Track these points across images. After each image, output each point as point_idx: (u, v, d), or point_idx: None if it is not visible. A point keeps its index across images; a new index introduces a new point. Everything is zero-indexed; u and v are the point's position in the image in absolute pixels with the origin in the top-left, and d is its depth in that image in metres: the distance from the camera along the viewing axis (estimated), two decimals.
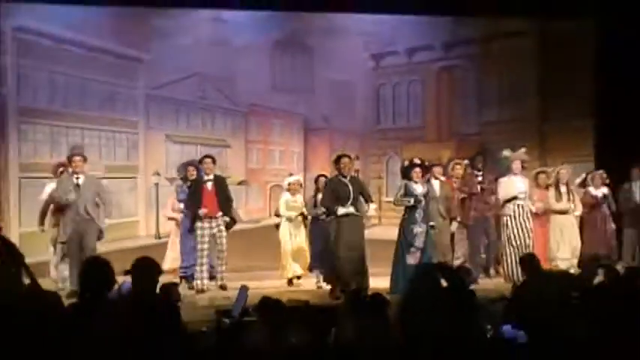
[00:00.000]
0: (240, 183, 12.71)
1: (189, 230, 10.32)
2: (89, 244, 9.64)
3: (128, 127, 12.80)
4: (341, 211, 9.66)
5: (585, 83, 13.48)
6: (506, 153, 11.08)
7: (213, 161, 10.45)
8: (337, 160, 9.96)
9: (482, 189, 10.92)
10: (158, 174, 12.61)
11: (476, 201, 10.95)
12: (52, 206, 10.06)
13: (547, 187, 11.17)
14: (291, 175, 11.17)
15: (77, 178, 9.72)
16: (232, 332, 6.63)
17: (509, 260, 10.56)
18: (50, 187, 10.18)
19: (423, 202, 9.99)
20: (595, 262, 6.60)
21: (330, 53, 13.38)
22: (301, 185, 10.95)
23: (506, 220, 10.62)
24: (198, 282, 10.21)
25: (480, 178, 11.02)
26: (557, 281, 6.55)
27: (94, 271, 4.71)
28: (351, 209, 9.75)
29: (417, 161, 10.20)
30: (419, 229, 9.91)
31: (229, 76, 13.18)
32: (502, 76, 14.11)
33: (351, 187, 9.77)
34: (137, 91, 12.76)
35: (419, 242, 9.86)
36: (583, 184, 11.52)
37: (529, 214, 10.72)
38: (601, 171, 11.63)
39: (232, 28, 13.11)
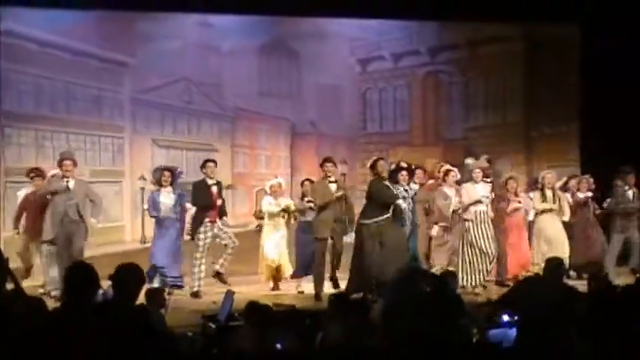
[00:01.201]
0: (226, 187, 12.66)
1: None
2: (77, 245, 9.76)
3: (114, 132, 12.76)
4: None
5: (571, 88, 13.53)
6: (468, 161, 11.10)
7: (216, 165, 10.54)
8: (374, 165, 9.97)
9: (495, 195, 10.92)
10: (144, 178, 12.55)
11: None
12: (25, 211, 10.16)
13: (516, 193, 11.13)
14: (274, 177, 11.20)
15: (67, 181, 9.84)
16: (218, 337, 6.62)
17: (467, 263, 10.48)
18: (24, 191, 10.35)
19: (411, 204, 10.03)
20: (560, 267, 6.58)
21: (317, 58, 13.40)
22: (281, 186, 10.94)
23: (468, 225, 10.56)
24: (195, 285, 10.23)
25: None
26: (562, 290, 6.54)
27: (78, 276, 4.68)
28: None
29: (404, 165, 10.22)
30: (406, 231, 9.95)
31: (216, 81, 13.17)
32: (488, 82, 14.15)
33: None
34: (123, 96, 12.72)
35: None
36: (564, 188, 11.51)
37: (490, 221, 10.67)
38: (587, 176, 11.65)
39: (219, 33, 13.12)
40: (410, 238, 10.02)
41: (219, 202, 10.37)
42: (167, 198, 10.29)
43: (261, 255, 10.71)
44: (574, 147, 13.57)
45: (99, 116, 12.63)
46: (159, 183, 10.35)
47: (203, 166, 10.50)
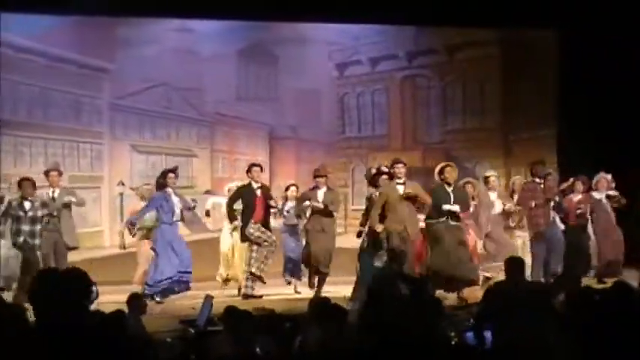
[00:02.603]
0: (206, 192, 12.67)
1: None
2: (62, 251, 10.08)
3: (92, 138, 12.73)
4: None
5: (548, 93, 13.62)
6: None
7: (262, 169, 10.68)
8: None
9: (547, 198, 10.95)
10: (123, 184, 12.54)
11: (541, 209, 10.94)
12: None
13: (473, 198, 11.16)
14: (232, 181, 11.25)
15: (53, 191, 10.17)
16: (197, 342, 6.61)
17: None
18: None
19: None
20: (519, 266, 6.59)
21: (295, 63, 13.42)
22: None
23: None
24: (249, 287, 10.31)
25: (541, 186, 11.03)
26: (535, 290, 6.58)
27: (71, 283, 4.68)
28: None
29: (384, 169, 10.22)
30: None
31: (195, 86, 13.18)
32: (466, 86, 14.22)
33: None
34: (101, 101, 12.69)
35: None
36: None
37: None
38: (603, 174, 11.51)
39: (198, 38, 13.12)
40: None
41: (261, 205, 10.40)
42: (177, 200, 10.22)
43: (222, 255, 10.78)
44: (552, 151, 13.64)
45: (77, 122, 12.59)
46: (163, 185, 10.22)
47: (249, 170, 10.56)
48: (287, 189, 11.12)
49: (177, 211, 10.16)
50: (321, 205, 10.25)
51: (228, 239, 10.85)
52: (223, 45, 13.13)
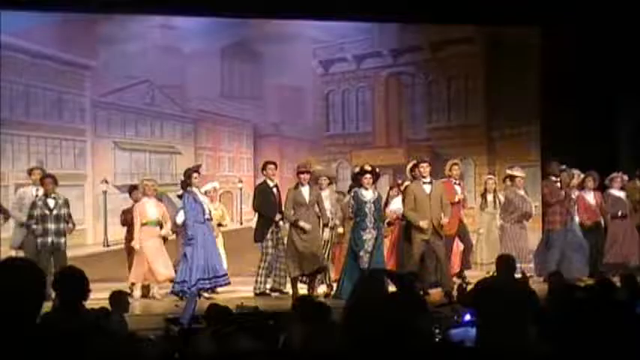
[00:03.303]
0: None
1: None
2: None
3: (75, 135, 12.66)
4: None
5: (531, 89, 13.66)
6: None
7: (276, 167, 10.59)
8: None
9: (565, 194, 10.94)
10: (106, 182, 12.48)
11: (560, 206, 11.00)
12: None
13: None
14: (209, 182, 11.18)
15: (37, 189, 10.11)
16: (181, 340, 6.58)
17: None
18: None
19: (373, 209, 9.97)
20: (511, 263, 6.59)
21: (279, 60, 13.39)
22: (216, 190, 10.96)
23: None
24: (261, 284, 10.28)
25: (558, 185, 11.02)
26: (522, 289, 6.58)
27: (69, 281, 4.66)
28: None
29: (368, 168, 10.20)
30: (368, 235, 9.90)
31: (178, 83, 13.12)
32: (450, 83, 14.24)
33: None
34: (84, 98, 12.62)
35: (368, 247, 9.85)
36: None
37: None
38: (620, 173, 11.56)
39: (181, 35, 13.08)
40: (375, 243, 9.94)
41: (278, 203, 10.38)
42: (205, 200, 10.16)
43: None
44: (535, 147, 13.69)
45: (60, 119, 12.53)
46: (188, 185, 10.14)
47: (264, 168, 10.51)
48: None
49: (207, 209, 10.09)
50: (308, 227, 10.06)
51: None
52: (207, 42, 13.09)
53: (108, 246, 10.89)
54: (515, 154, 13.65)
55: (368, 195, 10.00)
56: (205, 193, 10.66)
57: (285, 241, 10.18)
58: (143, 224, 10.31)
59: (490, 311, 5.92)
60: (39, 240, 9.81)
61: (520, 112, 13.81)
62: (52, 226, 9.85)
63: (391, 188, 11.39)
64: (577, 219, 11.18)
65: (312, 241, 9.98)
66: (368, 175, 10.00)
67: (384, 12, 12.53)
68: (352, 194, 10.21)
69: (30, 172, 10.35)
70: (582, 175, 11.40)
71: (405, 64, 14.12)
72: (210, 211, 10.19)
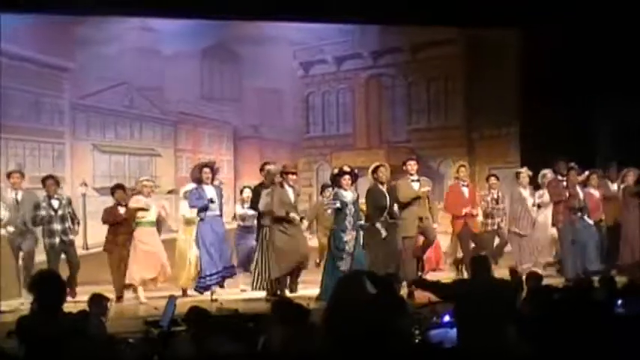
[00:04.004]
0: (169, 192, 12.58)
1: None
2: (30, 253, 10.16)
3: (54, 137, 12.59)
4: None
5: (510, 91, 13.71)
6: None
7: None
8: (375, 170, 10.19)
9: (569, 194, 10.98)
10: (85, 184, 12.42)
11: (563, 206, 11.04)
12: None
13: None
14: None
15: (16, 194, 10.13)
16: (160, 342, 6.56)
17: None
18: None
19: (353, 210, 9.98)
20: (484, 265, 6.61)
21: (259, 62, 13.38)
22: None
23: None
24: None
25: (564, 184, 11.07)
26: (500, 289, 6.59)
27: (47, 285, 4.63)
28: None
29: (347, 169, 10.21)
30: (348, 236, 9.89)
31: (157, 85, 13.09)
32: (430, 85, 14.29)
33: None
34: (62, 101, 12.56)
35: (349, 248, 9.85)
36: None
37: None
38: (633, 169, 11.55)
39: (160, 37, 13.04)
40: (356, 244, 9.92)
41: None
42: (212, 194, 10.08)
43: (184, 259, 10.69)
44: (515, 148, 13.75)
45: (38, 122, 12.45)
46: (199, 180, 10.11)
47: (262, 169, 10.53)
48: (242, 192, 11.08)
49: (212, 206, 10.05)
50: (297, 218, 10.06)
51: (188, 244, 10.72)
52: (186, 44, 13.06)
53: (87, 249, 10.82)
54: (495, 155, 13.72)
55: (348, 196, 10.01)
56: (184, 194, 10.65)
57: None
58: (138, 224, 10.30)
59: (467, 312, 5.93)
60: (46, 241, 10.01)
61: (500, 114, 13.87)
62: (58, 226, 10.00)
63: None
64: (587, 217, 11.19)
65: (294, 240, 9.99)
66: (347, 177, 10.01)
67: (364, 14, 12.53)
68: (332, 194, 10.22)
69: (9, 175, 10.29)
70: (587, 173, 11.47)
71: (386, 66, 14.15)
72: (215, 207, 10.13)
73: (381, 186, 10.13)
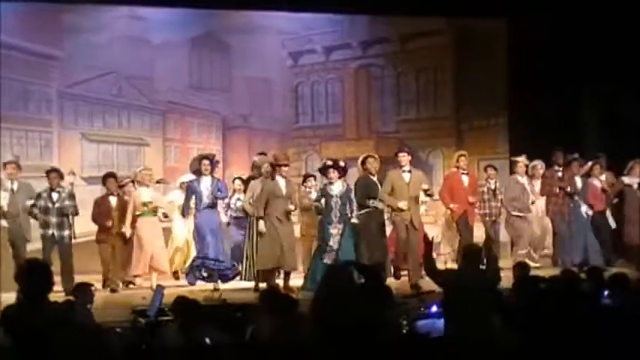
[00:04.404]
0: (158, 182, 12.51)
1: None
2: (21, 244, 10.15)
3: (41, 126, 12.53)
4: None
5: (500, 82, 13.72)
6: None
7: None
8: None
9: (567, 185, 10.99)
10: (73, 173, 12.34)
11: (555, 196, 11.06)
12: None
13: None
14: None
15: (12, 183, 10.21)
16: (147, 332, 6.56)
17: None
18: None
19: (340, 202, 9.91)
20: (475, 255, 6.60)
21: (248, 51, 13.34)
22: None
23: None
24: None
25: (559, 174, 11.06)
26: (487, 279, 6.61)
27: (33, 275, 4.62)
28: None
29: (329, 162, 10.16)
30: (334, 229, 9.84)
31: (146, 74, 13.04)
32: (419, 75, 14.28)
33: None
34: (50, 89, 12.49)
35: (334, 242, 9.78)
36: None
37: None
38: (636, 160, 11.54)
39: (149, 26, 12.98)
40: (342, 237, 9.84)
41: None
42: (208, 187, 10.03)
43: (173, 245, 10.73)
44: (503, 139, 13.77)
45: (26, 110, 12.38)
46: (198, 172, 10.09)
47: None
48: (233, 182, 11.04)
49: (206, 198, 10.00)
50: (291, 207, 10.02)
51: (183, 231, 10.74)
52: (175, 33, 13.01)
53: (75, 238, 10.75)
54: (484, 146, 13.74)
55: (335, 189, 9.94)
56: (181, 185, 10.64)
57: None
58: (139, 215, 10.27)
59: (455, 302, 5.95)
60: (40, 231, 10.10)
61: (489, 104, 13.88)
62: (53, 219, 10.04)
63: None
64: (584, 207, 11.17)
65: (284, 235, 9.87)
66: (331, 170, 9.96)
67: (353, 4, 12.53)
68: (322, 186, 10.21)
69: (4, 165, 10.33)
70: (590, 163, 11.48)
71: (375, 56, 14.14)
72: (211, 200, 10.12)
73: (372, 176, 10.12)
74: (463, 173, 11.00)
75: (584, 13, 12.25)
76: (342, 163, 10.16)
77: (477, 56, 13.87)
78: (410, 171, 10.13)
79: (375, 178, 10.14)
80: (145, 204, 10.26)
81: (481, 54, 13.83)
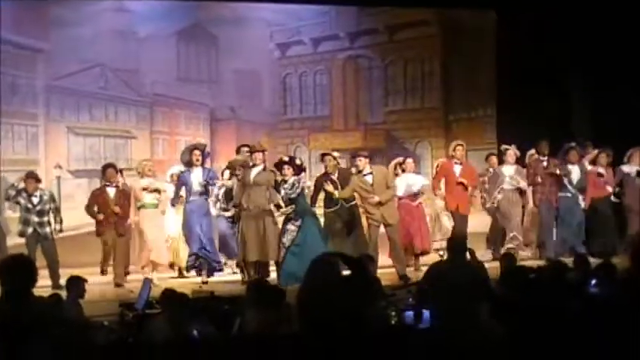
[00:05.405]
0: None
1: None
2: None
3: (27, 120, 12.47)
4: None
5: (487, 73, 13.73)
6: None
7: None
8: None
9: (550, 173, 10.97)
10: (60, 167, 12.32)
11: (541, 185, 11.02)
12: None
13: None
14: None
15: None
16: (135, 325, 6.55)
17: None
18: None
19: (298, 200, 9.76)
20: (460, 247, 6.58)
21: (236, 43, 13.31)
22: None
23: None
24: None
25: (545, 164, 11.07)
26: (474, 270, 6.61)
27: (16, 269, 4.58)
28: None
29: (285, 158, 10.07)
30: (292, 226, 9.74)
31: (133, 67, 12.99)
32: (407, 66, 14.27)
33: None
34: (36, 82, 12.42)
35: (286, 239, 9.70)
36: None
37: None
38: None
39: (136, 18, 12.94)
40: (301, 234, 9.68)
41: None
42: (199, 178, 9.97)
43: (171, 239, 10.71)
44: (491, 130, 13.78)
45: (11, 103, 12.30)
46: (189, 163, 10.03)
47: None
48: (222, 173, 10.98)
49: (195, 188, 9.95)
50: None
51: (175, 224, 10.70)
52: (161, 25, 12.97)
53: (62, 231, 10.71)
54: (472, 137, 13.72)
55: (287, 186, 9.78)
56: (171, 177, 10.60)
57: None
58: (140, 206, 10.20)
59: (441, 294, 5.95)
60: (20, 227, 9.99)
61: (476, 95, 13.91)
62: (35, 218, 9.94)
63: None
64: (580, 196, 11.15)
65: (267, 225, 9.74)
66: (286, 166, 9.86)
67: None
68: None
69: None
70: (596, 151, 11.46)
71: (363, 47, 14.11)
72: (202, 191, 10.09)
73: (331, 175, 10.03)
74: (456, 163, 10.95)
75: (571, 5, 12.27)
76: (298, 161, 10.03)
77: (465, 47, 13.87)
78: (371, 172, 9.96)
79: (333, 176, 10.03)
80: (144, 188, 10.18)
81: (469, 45, 13.84)
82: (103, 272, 10.44)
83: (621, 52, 12.31)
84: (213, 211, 10.54)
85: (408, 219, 10.78)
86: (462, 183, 10.82)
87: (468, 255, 6.66)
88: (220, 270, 10.21)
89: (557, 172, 10.97)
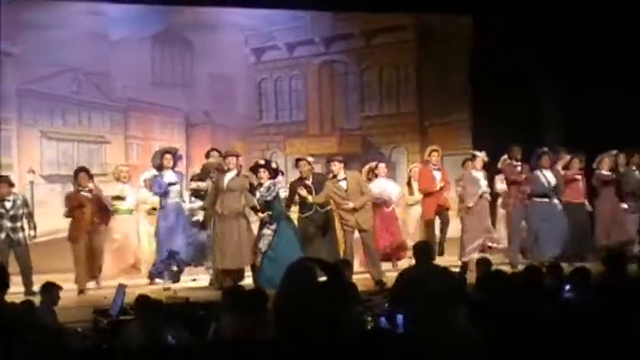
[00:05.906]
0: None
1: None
2: None
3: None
4: None
5: (462, 78, 13.79)
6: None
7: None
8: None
9: (525, 178, 10.99)
10: (33, 172, 12.20)
11: (515, 190, 11.04)
12: None
13: None
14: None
15: None
16: (109, 331, 6.50)
17: None
18: None
19: (273, 203, 9.74)
20: (427, 251, 6.58)
21: (210, 48, 13.27)
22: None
23: None
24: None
25: (519, 169, 11.07)
26: (445, 275, 6.61)
27: None
28: None
29: (261, 162, 10.05)
30: (267, 231, 9.70)
31: (106, 71, 12.87)
32: (383, 71, 14.31)
33: None
34: (8, 86, 12.27)
35: (262, 244, 9.66)
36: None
37: None
38: (615, 151, 11.55)
39: (109, 22, 12.83)
40: (276, 239, 9.67)
41: None
42: (172, 180, 9.97)
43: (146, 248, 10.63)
44: (466, 135, 13.83)
45: None
46: (160, 167, 9.99)
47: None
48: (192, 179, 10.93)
49: (171, 192, 9.94)
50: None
51: (148, 229, 10.62)
52: (136, 29, 12.87)
53: (36, 237, 10.60)
54: (447, 142, 13.75)
55: (262, 190, 9.76)
56: (144, 182, 10.53)
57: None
58: (115, 212, 10.20)
59: (413, 300, 5.96)
60: None
61: (452, 100, 13.95)
62: (8, 223, 9.83)
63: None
64: (554, 200, 11.19)
65: (233, 232, 9.65)
66: (262, 170, 9.82)
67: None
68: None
69: None
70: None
71: (338, 52, 14.13)
72: (176, 194, 10.09)
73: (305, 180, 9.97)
74: (434, 169, 10.96)
75: (545, 8, 12.36)
76: (274, 165, 10.04)
77: (440, 52, 13.93)
78: (345, 178, 9.96)
79: (308, 182, 9.97)
80: (115, 197, 10.14)
81: (444, 50, 13.90)
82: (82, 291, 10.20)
83: (596, 56, 12.41)
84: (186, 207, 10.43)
85: (381, 224, 10.80)
86: (442, 188, 10.87)
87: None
88: (180, 272, 10.16)
89: (527, 177, 11.05)
